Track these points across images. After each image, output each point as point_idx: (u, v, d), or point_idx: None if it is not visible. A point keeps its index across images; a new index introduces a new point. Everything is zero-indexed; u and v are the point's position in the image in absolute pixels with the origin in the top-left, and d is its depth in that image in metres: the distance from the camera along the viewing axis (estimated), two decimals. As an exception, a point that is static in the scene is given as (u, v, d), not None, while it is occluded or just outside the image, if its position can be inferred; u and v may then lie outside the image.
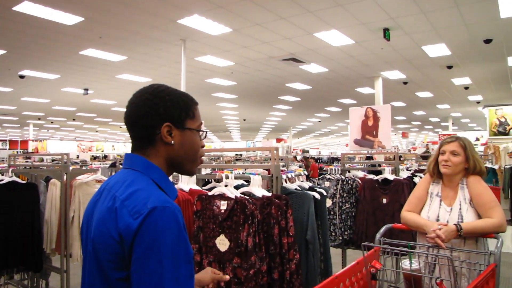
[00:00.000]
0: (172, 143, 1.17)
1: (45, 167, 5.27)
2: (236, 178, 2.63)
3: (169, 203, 1.05)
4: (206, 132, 1.30)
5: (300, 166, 10.49)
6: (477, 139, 20.55)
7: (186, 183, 2.74)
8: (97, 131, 32.69)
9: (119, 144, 36.95)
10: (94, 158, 21.11)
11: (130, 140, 1.23)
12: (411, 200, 2.57)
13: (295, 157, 17.16)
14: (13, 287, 4.53)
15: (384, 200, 3.96)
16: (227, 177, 2.49)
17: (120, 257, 1.01)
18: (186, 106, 1.21)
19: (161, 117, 1.16)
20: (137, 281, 0.98)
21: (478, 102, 17.81)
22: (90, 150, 32.93)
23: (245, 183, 2.66)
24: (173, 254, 0.98)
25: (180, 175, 2.77)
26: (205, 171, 3.67)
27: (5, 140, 28.80)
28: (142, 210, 1.00)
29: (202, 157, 1.30)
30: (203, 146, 1.28)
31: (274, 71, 11.80)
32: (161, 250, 0.97)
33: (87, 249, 1.13)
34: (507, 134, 12.84)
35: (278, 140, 28.42)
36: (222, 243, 2.31)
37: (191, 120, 1.22)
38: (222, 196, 2.39)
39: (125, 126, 1.21)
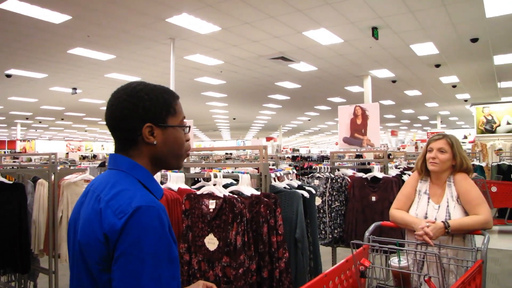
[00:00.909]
0: (155, 143, 1.15)
1: (32, 167, 5.21)
2: (224, 177, 2.62)
3: (154, 202, 1.04)
4: (189, 126, 1.27)
5: (289, 165, 10.51)
6: (465, 137, 20.75)
7: (174, 182, 2.72)
8: (86, 131, 32.44)
9: (109, 143, 36.66)
10: (83, 157, 20.92)
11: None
12: (399, 198, 2.59)
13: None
14: (0, 289, 4.49)
15: (373, 198, 3.98)
16: (215, 176, 2.48)
17: (106, 258, 1.00)
18: (166, 103, 1.18)
19: (141, 118, 1.13)
20: (117, 278, 0.97)
21: (465, 101, 17.98)
22: (79, 150, 32.63)
23: (234, 182, 2.66)
24: (154, 254, 0.98)
25: (168, 175, 2.75)
26: (194, 170, 3.66)
27: (-8, 140, 28.49)
28: (127, 210, 0.99)
29: (188, 151, 1.28)
30: (188, 140, 1.26)
31: (264, 70, 11.80)
32: (143, 249, 0.96)
33: (74, 250, 1.11)
34: (494, 132, 12.98)
35: (268, 139, 28.41)
36: (211, 242, 2.30)
37: (172, 117, 1.19)
38: (211, 195, 2.38)
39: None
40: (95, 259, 1.02)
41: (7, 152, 23.06)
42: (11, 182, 3.91)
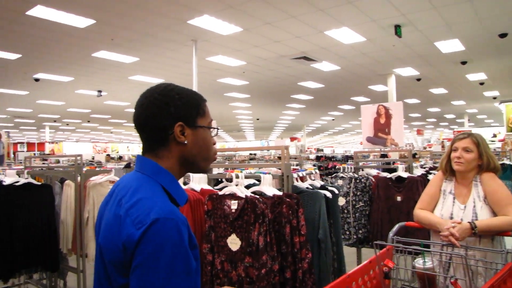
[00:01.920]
0: (186, 142, 1.16)
1: (60, 169, 5.34)
2: (246, 177, 2.62)
3: (173, 214, 1.03)
4: (218, 128, 1.28)
5: (313, 165, 10.44)
6: (494, 136, 20.22)
7: (197, 183, 2.74)
8: (112, 133, 33.02)
9: (134, 145, 37.24)
10: (111, 158, 21.28)
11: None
12: (423, 198, 2.54)
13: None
14: (32, 286, 4.61)
15: (399, 198, 3.92)
16: (237, 177, 2.49)
17: (122, 264, 1.01)
18: (196, 104, 1.20)
19: (172, 116, 1.14)
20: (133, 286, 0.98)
21: (494, 98, 17.54)
22: (105, 151, 33.26)
23: (257, 182, 2.66)
24: (171, 266, 0.97)
25: (191, 175, 2.77)
26: (217, 171, 3.68)
27: (23, 143, 29.28)
28: (145, 221, 0.99)
29: (216, 155, 1.28)
30: (214, 143, 1.27)
31: (286, 70, 11.77)
32: (159, 261, 0.96)
33: (97, 251, 1.13)
34: (525, 129, 12.62)
35: (292, 139, 28.31)
36: (234, 242, 2.31)
37: (202, 118, 1.20)
38: (233, 196, 2.39)
39: (135, 127, 1.20)
40: (112, 263, 1.04)
41: (37, 154, 23.67)
42: (40, 183, 4.02)
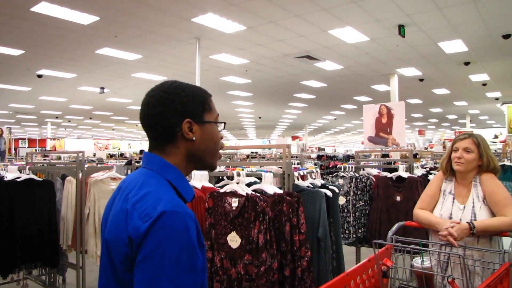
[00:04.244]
0: (194, 139, 1.16)
1: (61, 165, 5.36)
2: (247, 175, 2.64)
3: (180, 208, 1.03)
4: (225, 123, 1.28)
5: (315, 164, 10.45)
6: (496, 137, 20.20)
7: (198, 180, 2.76)
8: (113, 130, 33.06)
9: (135, 142, 37.31)
10: (111, 156, 21.32)
11: (147, 138, 1.21)
12: (423, 197, 2.55)
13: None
14: (31, 282, 4.64)
15: (398, 198, 3.93)
16: (238, 175, 2.50)
17: (129, 258, 1.01)
18: (202, 99, 1.20)
19: (180, 113, 1.14)
20: (137, 282, 0.97)
21: (496, 99, 17.51)
22: (106, 148, 33.34)
23: (258, 180, 2.67)
24: (176, 260, 0.97)
25: (193, 173, 2.78)
26: (218, 169, 3.69)
27: (24, 139, 29.36)
28: (152, 214, 0.99)
29: (222, 148, 1.28)
30: (221, 138, 1.27)
31: (289, 69, 11.77)
32: (164, 255, 0.96)
33: (103, 247, 1.13)
34: (526, 131, 12.61)
35: (294, 138, 28.31)
36: (234, 240, 2.32)
37: (208, 113, 1.21)
38: (234, 193, 2.40)
39: (141, 126, 1.20)
40: (119, 258, 1.03)
41: (38, 150, 23.72)
42: (41, 179, 4.04)
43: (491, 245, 2.28)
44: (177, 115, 1.14)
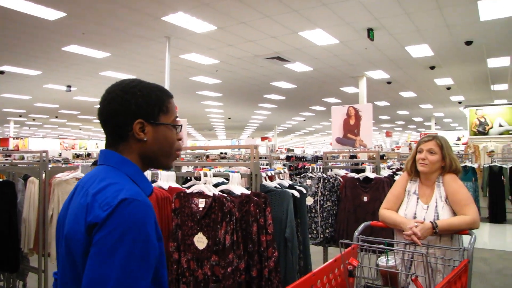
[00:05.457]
0: (145, 139, 1.15)
1: (25, 165, 5.18)
2: (215, 176, 2.62)
3: (141, 196, 1.03)
4: (181, 126, 1.27)
5: (284, 165, 10.51)
6: (459, 139, 20.86)
7: (165, 180, 2.72)
8: (80, 129, 32.33)
9: (103, 142, 36.47)
10: (77, 156, 20.83)
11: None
12: (389, 198, 2.60)
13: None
14: (-13, 288, 4.46)
15: (365, 198, 3.99)
16: (205, 175, 2.48)
17: (87, 252, 0.99)
18: (159, 100, 1.19)
19: (132, 113, 1.13)
20: (89, 265, 0.95)
21: (459, 102, 18.07)
22: (73, 148, 32.52)
23: (226, 181, 2.66)
24: (129, 249, 0.95)
25: (159, 173, 2.75)
26: (186, 169, 3.65)
27: (-15, 138, 28.30)
28: (112, 202, 0.98)
29: (179, 150, 1.27)
30: (180, 139, 1.26)
31: (259, 70, 11.80)
32: (123, 241, 0.95)
33: (61, 246, 1.10)
34: (487, 134, 13.08)
35: (263, 139, 28.37)
36: (200, 241, 2.30)
37: (164, 115, 1.19)
38: (201, 194, 2.38)
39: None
40: (79, 254, 1.01)
41: (0, 149, 22.93)
42: (1, 180, 3.89)
43: (452, 243, 2.34)
44: (129, 115, 1.13)
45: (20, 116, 22.61)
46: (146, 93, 1.16)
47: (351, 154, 9.31)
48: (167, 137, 1.20)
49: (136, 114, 1.14)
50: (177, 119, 1.26)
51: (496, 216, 8.43)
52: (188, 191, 2.44)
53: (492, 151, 11.72)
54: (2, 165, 4.89)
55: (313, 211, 4.15)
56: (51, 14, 6.99)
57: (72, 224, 1.04)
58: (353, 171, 4.75)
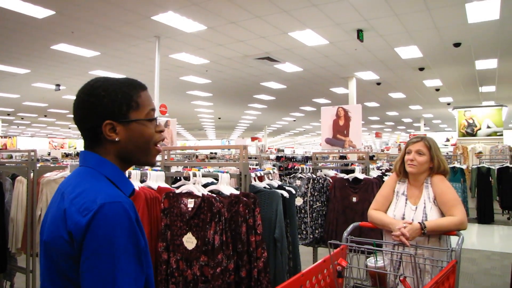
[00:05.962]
0: (117, 140, 1.12)
1: (13, 164, 5.12)
2: (204, 176, 2.61)
3: (120, 197, 1.02)
4: (156, 118, 1.21)
5: (273, 165, 10.53)
6: (447, 140, 21.05)
7: (154, 180, 2.71)
8: (70, 128, 32.04)
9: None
10: (66, 155, 20.68)
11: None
12: (377, 198, 2.61)
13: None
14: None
15: (354, 199, 4.01)
16: (194, 175, 2.47)
17: (72, 257, 0.98)
18: (126, 97, 1.13)
19: (100, 116, 1.10)
20: (89, 279, 0.95)
21: (448, 104, 18.23)
22: (62, 147, 32.27)
23: (215, 181, 2.65)
24: (125, 249, 0.96)
25: (148, 173, 2.73)
26: (175, 169, 3.64)
27: (-28, 137, 27.94)
28: (91, 207, 0.97)
29: (159, 142, 1.22)
30: (161, 131, 1.21)
31: (249, 70, 11.80)
32: (114, 246, 0.95)
33: (41, 250, 1.09)
34: (475, 135, 13.21)
35: (253, 139, 28.38)
36: (189, 241, 2.30)
37: (135, 111, 1.14)
38: (190, 194, 2.37)
39: None
40: (62, 258, 1.00)
41: (-12, 148, 22.68)
42: (-12, 179, 3.85)
43: (440, 244, 2.36)
44: (97, 118, 1.10)
45: (8, 114, 22.36)
46: (111, 92, 1.12)
47: (341, 154, 9.36)
48: (142, 133, 1.15)
49: (103, 116, 1.10)
50: (153, 111, 1.20)
51: (484, 216, 8.53)
52: (177, 191, 2.44)
53: (480, 152, 11.85)
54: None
55: (303, 211, 4.16)
56: (40, 12, 6.91)
57: (52, 229, 1.03)
58: (342, 171, 4.77)
